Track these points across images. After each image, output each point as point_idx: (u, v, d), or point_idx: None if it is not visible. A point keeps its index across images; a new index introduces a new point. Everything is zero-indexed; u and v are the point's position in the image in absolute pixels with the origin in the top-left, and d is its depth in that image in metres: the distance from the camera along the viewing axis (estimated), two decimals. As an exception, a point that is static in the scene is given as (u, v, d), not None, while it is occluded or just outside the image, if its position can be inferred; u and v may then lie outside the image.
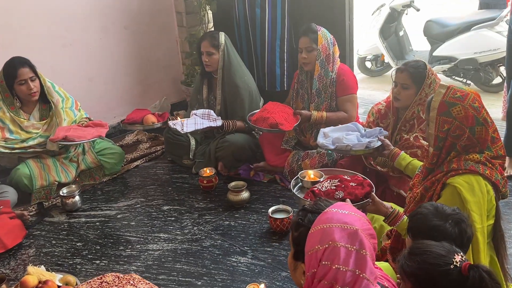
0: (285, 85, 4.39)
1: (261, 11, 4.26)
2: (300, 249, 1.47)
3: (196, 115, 3.73)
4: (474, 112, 2.04)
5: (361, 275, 1.36)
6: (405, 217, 2.22)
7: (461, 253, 1.49)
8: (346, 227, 1.40)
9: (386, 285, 1.54)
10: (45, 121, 3.71)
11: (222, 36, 3.84)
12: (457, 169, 2.05)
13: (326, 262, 1.37)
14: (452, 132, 2.07)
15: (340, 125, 3.24)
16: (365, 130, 3.12)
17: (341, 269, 1.36)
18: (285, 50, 4.30)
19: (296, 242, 1.50)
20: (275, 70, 4.36)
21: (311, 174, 2.73)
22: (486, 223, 2.04)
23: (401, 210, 2.36)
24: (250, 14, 4.36)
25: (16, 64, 3.52)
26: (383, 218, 2.31)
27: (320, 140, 3.10)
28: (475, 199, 2.00)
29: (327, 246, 1.38)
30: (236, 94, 3.85)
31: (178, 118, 3.83)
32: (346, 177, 2.49)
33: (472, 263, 1.45)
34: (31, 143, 3.62)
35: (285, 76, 4.37)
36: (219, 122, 3.72)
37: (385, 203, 2.33)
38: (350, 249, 1.37)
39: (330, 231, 1.39)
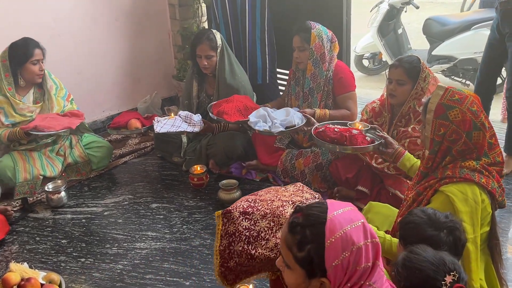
0: (267, 78, 4.32)
1: (241, 2, 4.19)
2: (313, 267, 1.38)
3: (179, 116, 3.67)
4: (472, 116, 2.00)
5: (377, 263, 1.38)
6: (406, 155, 2.58)
7: (454, 272, 1.47)
8: (355, 224, 1.38)
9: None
10: (39, 104, 3.67)
11: (218, 36, 3.76)
12: (452, 177, 2.03)
13: (355, 266, 1.36)
14: (448, 136, 2.03)
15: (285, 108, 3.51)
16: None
17: (364, 266, 1.36)
18: (266, 43, 4.22)
19: (307, 261, 1.38)
20: (256, 63, 4.29)
21: (359, 126, 3.00)
22: (480, 231, 2.01)
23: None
24: (230, 4, 4.27)
25: (34, 43, 3.56)
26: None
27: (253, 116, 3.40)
28: (468, 209, 1.97)
29: (353, 249, 1.35)
30: (230, 95, 3.77)
31: (172, 114, 3.76)
32: (353, 131, 2.89)
33: (464, 286, 1.45)
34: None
35: (267, 69, 4.30)
36: (196, 129, 3.60)
37: None
38: (367, 243, 1.37)
39: (349, 235, 1.36)
